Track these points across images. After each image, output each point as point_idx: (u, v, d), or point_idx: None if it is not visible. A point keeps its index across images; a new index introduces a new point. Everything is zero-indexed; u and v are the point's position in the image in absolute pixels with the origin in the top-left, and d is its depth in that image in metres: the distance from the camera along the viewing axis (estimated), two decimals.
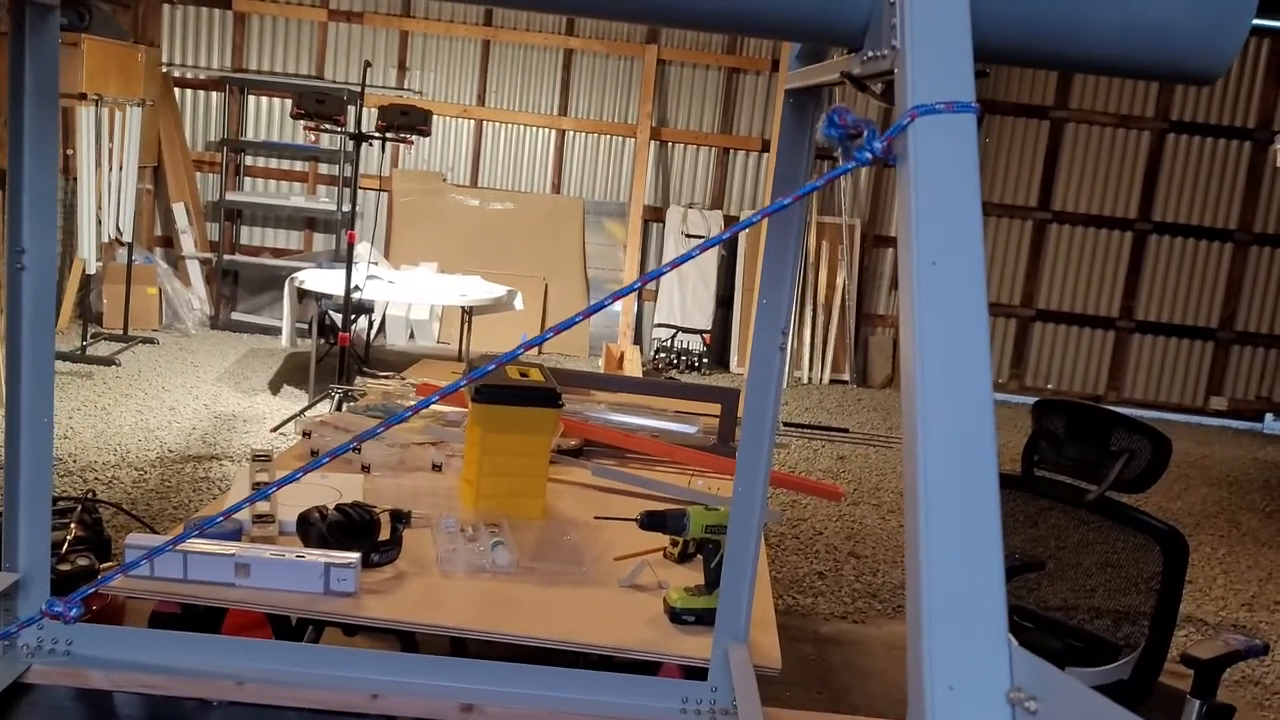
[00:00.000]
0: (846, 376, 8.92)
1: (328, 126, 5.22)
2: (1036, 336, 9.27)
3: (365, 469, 2.79)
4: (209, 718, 1.85)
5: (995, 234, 9.14)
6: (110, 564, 2.99)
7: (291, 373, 7.07)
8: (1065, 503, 2.47)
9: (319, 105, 5.24)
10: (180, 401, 6.23)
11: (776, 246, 1.78)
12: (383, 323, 8.42)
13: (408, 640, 2.94)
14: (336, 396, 5.22)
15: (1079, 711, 0.66)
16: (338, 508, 2.29)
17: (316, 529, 2.23)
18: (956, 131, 0.89)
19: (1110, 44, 1.11)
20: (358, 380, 3.89)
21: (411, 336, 8.57)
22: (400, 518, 2.45)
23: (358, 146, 5.45)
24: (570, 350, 8.70)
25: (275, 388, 6.74)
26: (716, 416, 3.57)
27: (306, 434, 2.92)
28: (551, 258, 8.81)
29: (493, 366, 1.11)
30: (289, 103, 6.91)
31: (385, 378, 3.76)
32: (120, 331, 7.51)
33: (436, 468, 2.86)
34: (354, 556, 2.09)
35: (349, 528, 2.23)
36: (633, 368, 7.82)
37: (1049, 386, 9.26)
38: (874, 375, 9.02)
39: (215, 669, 1.83)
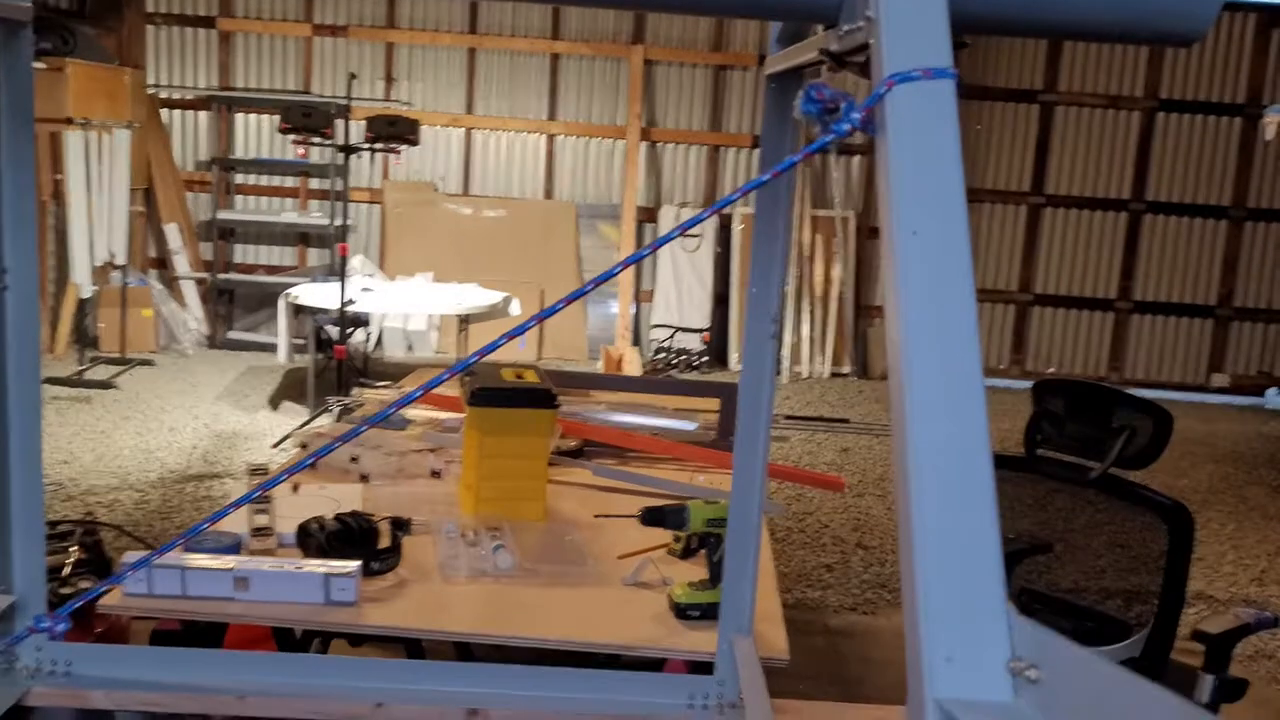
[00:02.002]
0: (847, 369, 8.90)
1: (316, 140, 5.21)
2: (1036, 321, 9.25)
3: (364, 478, 2.78)
4: None
5: (990, 220, 9.13)
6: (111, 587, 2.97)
7: (290, 388, 7.05)
8: (1069, 482, 2.45)
9: (305, 119, 5.23)
10: (180, 422, 6.21)
11: (765, 235, 1.76)
12: (380, 335, 8.40)
13: (413, 647, 2.93)
14: (336, 409, 5.20)
15: (1083, 675, 0.64)
16: (336, 517, 2.27)
17: (315, 539, 2.21)
18: (935, 98, 0.88)
19: (1090, 6, 1.10)
20: (354, 391, 3.88)
21: (410, 348, 8.56)
22: (400, 525, 2.43)
23: (346, 159, 5.44)
24: (569, 354, 8.68)
25: (275, 404, 6.72)
26: (716, 412, 3.55)
27: (304, 446, 2.90)
28: (546, 263, 8.80)
29: (474, 359, 1.09)
30: (277, 119, 6.90)
31: (382, 387, 3.74)
32: (118, 355, 7.50)
33: (435, 474, 2.84)
34: (354, 565, 2.07)
35: (348, 537, 2.21)
36: (632, 369, 7.80)
37: (1050, 371, 9.24)
38: (874, 367, 8.99)
39: (216, 684, 1.81)
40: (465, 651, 2.65)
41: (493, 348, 1.04)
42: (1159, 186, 9.02)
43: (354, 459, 2.80)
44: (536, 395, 2.50)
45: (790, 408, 7.65)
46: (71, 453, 5.51)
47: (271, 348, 8.08)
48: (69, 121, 6.73)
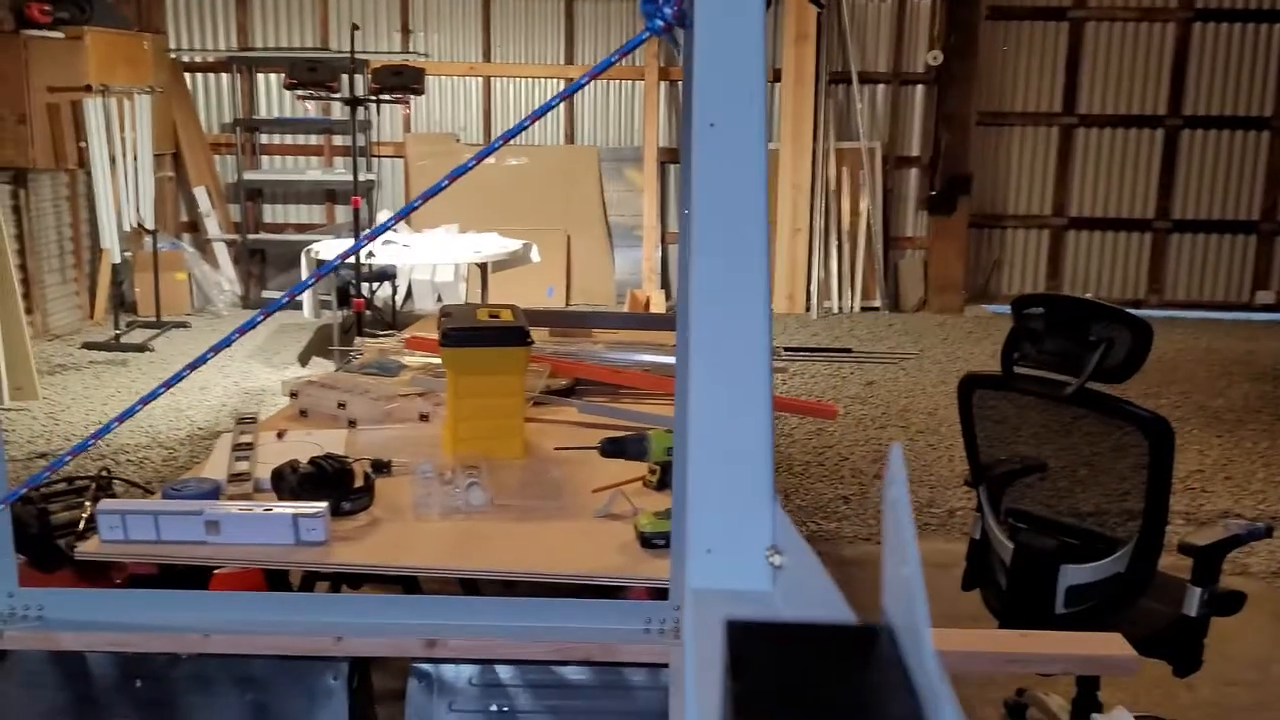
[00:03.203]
0: (878, 303, 8.80)
1: (321, 94, 5.22)
2: (1071, 245, 9.06)
3: (352, 424, 2.81)
4: (178, 670, 1.89)
5: (1021, 143, 8.93)
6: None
7: (320, 344, 7.14)
8: (1048, 399, 2.41)
9: (311, 74, 5.24)
10: (211, 380, 6.33)
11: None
12: (410, 288, 8.46)
13: (410, 584, 2.98)
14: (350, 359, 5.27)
15: (803, 567, 0.64)
16: (310, 460, 2.31)
17: (288, 483, 2.25)
18: None
19: None
20: (356, 341, 3.92)
21: (440, 299, 8.60)
22: (381, 467, 2.47)
23: (354, 112, 5.44)
24: (596, 299, 8.69)
25: (305, 360, 6.82)
26: None
27: (294, 394, 2.95)
28: (571, 209, 8.78)
29: (337, 261, 1.09)
30: None
31: (384, 337, 3.77)
32: (153, 318, 7.64)
33: (424, 418, 2.86)
34: (322, 506, 2.10)
35: (320, 479, 2.24)
36: (658, 311, 7.78)
37: (1088, 295, 9.05)
38: (906, 299, 8.89)
39: (182, 623, 1.86)
40: (471, 587, 2.68)
41: (358, 247, 1.04)
42: (1197, 101, 8.74)
43: (341, 404, 2.83)
44: (509, 333, 2.51)
45: (819, 342, 7.60)
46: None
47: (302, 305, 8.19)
48: (88, 89, 6.81)
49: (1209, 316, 8.76)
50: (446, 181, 0.97)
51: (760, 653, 0.55)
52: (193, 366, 1.35)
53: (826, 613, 0.64)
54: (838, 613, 0.65)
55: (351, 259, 5.72)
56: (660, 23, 0.85)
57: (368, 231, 0.96)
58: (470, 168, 1.07)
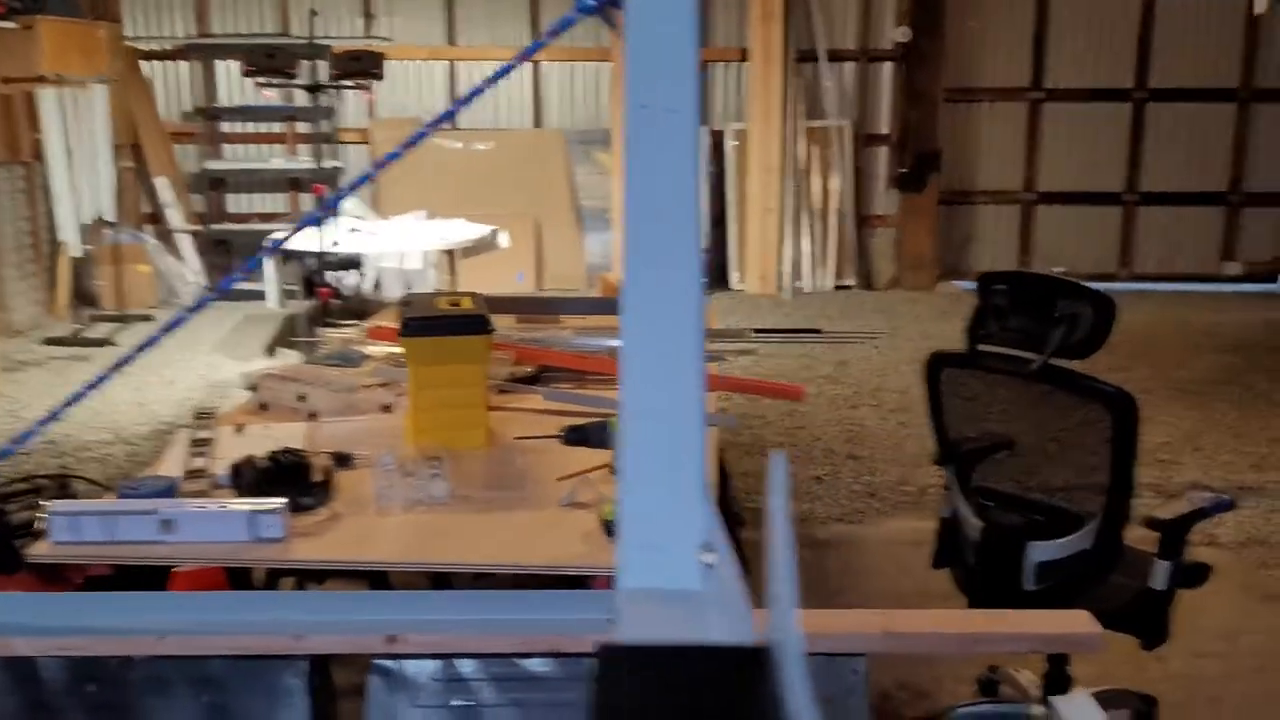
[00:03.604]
0: (850, 282, 8.80)
1: (280, 81, 5.14)
2: (1041, 220, 9.09)
3: (313, 416, 2.76)
4: (132, 673, 1.85)
5: (991, 119, 8.93)
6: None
7: (287, 335, 7.06)
8: (1013, 376, 2.40)
9: (269, 60, 5.16)
10: (177, 375, 6.25)
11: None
12: (379, 277, 8.37)
13: (378, 579, 2.94)
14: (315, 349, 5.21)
15: (725, 567, 0.61)
16: (269, 455, 2.26)
17: (246, 479, 2.21)
18: None
19: None
20: (319, 331, 3.87)
21: (409, 287, 8.52)
22: (342, 460, 2.43)
23: (316, 98, 5.37)
24: (568, 283, 8.64)
25: (271, 351, 6.75)
26: None
27: (253, 387, 2.90)
28: (539, 193, 8.72)
29: (281, 243, 1.05)
30: None
31: (348, 326, 3.73)
32: (116, 312, 7.53)
33: (386, 409, 2.82)
34: (279, 502, 2.06)
35: (279, 474, 2.21)
36: None
37: (1059, 270, 9.09)
38: (879, 278, 8.89)
39: (136, 626, 1.81)
40: (444, 581, 2.65)
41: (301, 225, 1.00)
42: (1163, 73, 8.76)
43: (301, 397, 2.79)
44: (469, 322, 2.47)
45: (792, 322, 7.59)
46: (67, 411, 5.55)
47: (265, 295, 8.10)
48: (42, 79, 6.68)
49: (1178, 289, 8.81)
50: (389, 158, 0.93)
51: (627, 677, 0.53)
52: (97, 382, 1.30)
53: (731, 629, 0.61)
54: (740, 630, 0.62)
55: (316, 248, 5.65)
56: (592, 1, 0.82)
57: (315, 213, 0.92)
58: (397, 156, 1.03)
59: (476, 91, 0.94)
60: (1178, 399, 5.77)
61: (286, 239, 1.32)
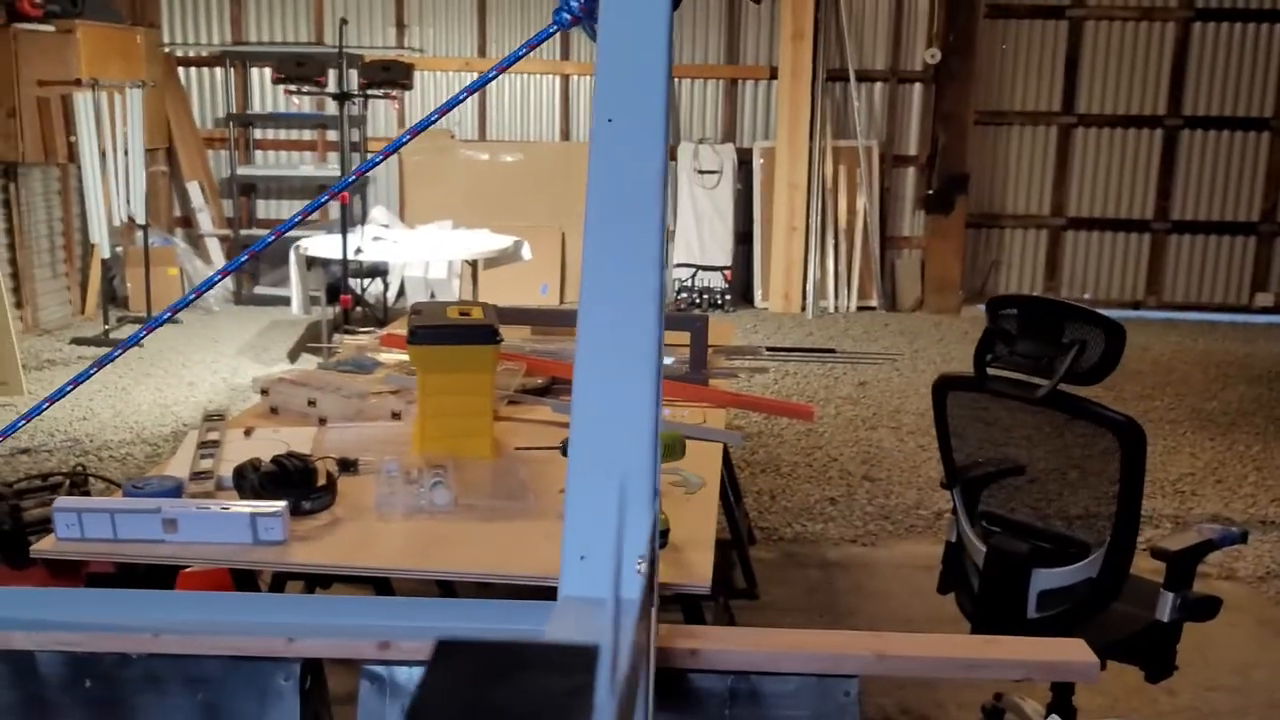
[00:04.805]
0: (874, 303, 8.76)
1: (310, 89, 5.19)
2: (1069, 246, 9.02)
3: (322, 421, 2.78)
4: (128, 670, 1.86)
5: (1019, 143, 8.89)
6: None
7: (310, 341, 7.12)
8: (1022, 401, 2.38)
9: (299, 69, 5.21)
10: (199, 377, 6.31)
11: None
12: (403, 284, 8.43)
13: (382, 585, 2.96)
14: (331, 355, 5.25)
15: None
16: (273, 459, 2.28)
17: (249, 481, 2.22)
18: None
19: None
20: (335, 338, 3.89)
21: (433, 295, 8.57)
22: (347, 466, 2.44)
23: (342, 107, 5.42)
24: None
25: (294, 356, 6.80)
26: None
27: (264, 391, 2.92)
28: (566, 205, 8.74)
29: (271, 238, 1.06)
30: None
31: (364, 333, 3.75)
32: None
33: (396, 416, 2.83)
34: (280, 505, 2.07)
35: (282, 478, 2.22)
36: None
37: (1086, 296, 9.02)
38: (903, 300, 8.85)
39: (133, 623, 1.83)
40: (448, 588, 2.66)
41: (289, 225, 1.02)
42: (1196, 100, 8.70)
43: (311, 402, 2.80)
44: (477, 331, 2.48)
45: (813, 342, 7.57)
46: (91, 410, 5.63)
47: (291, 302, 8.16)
48: (78, 83, 6.79)
49: (1207, 318, 8.72)
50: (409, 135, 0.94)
51: (456, 670, 0.54)
52: (73, 383, 1.32)
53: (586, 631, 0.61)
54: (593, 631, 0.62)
55: (338, 254, 5.69)
56: (567, 16, 0.82)
57: (318, 201, 0.93)
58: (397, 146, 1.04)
59: (455, 101, 0.94)
60: (1201, 429, 5.71)
61: (252, 254, 1.33)
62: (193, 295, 1.32)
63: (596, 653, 0.54)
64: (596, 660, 0.54)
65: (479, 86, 0.97)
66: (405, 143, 0.93)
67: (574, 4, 0.82)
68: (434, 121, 0.93)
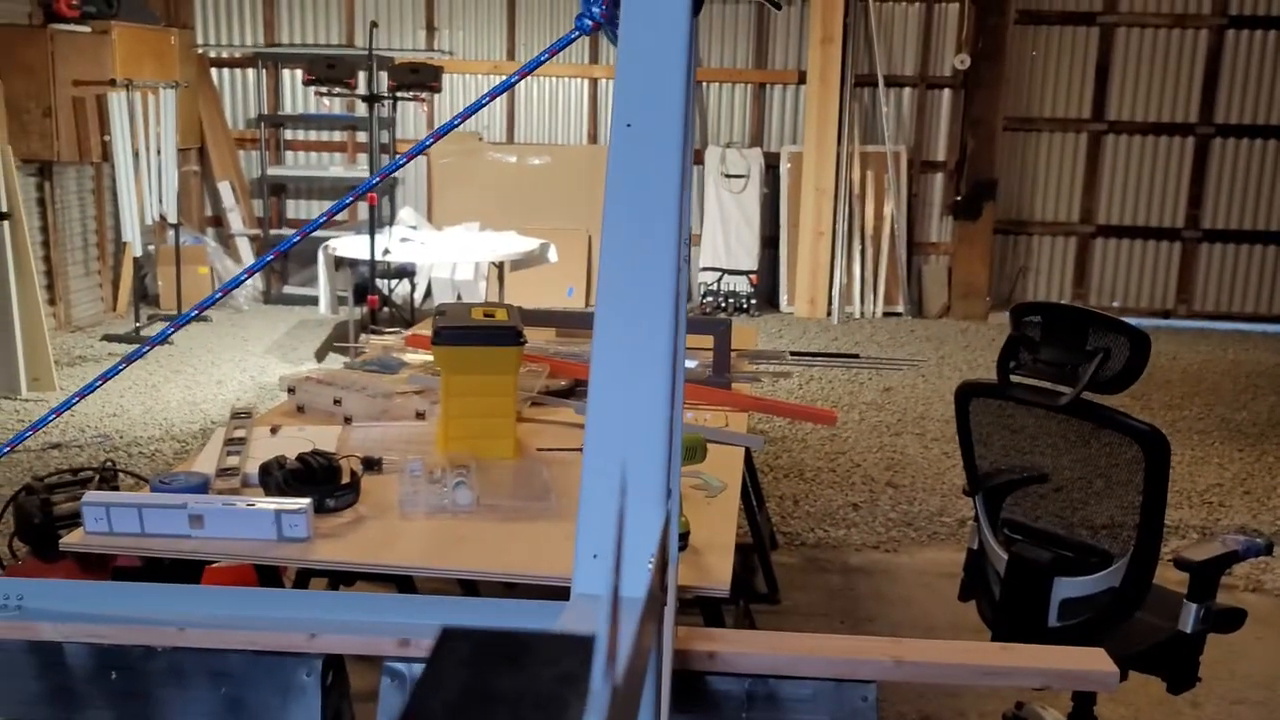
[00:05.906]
0: (901, 309, 8.73)
1: (339, 91, 5.24)
2: (1099, 254, 8.95)
3: (348, 420, 2.81)
4: (153, 663, 1.89)
5: (1049, 149, 8.83)
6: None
7: (337, 340, 7.17)
8: (1045, 408, 2.37)
9: (329, 70, 5.26)
10: (228, 375, 6.37)
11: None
12: (430, 286, 8.48)
13: (404, 583, 2.98)
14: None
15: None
16: (298, 457, 2.30)
17: (275, 478, 2.25)
18: None
19: None
20: (362, 338, 3.93)
21: (459, 297, 8.62)
22: (371, 464, 2.47)
23: (371, 108, 5.46)
24: None
25: (321, 356, 6.85)
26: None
27: (291, 390, 2.95)
28: (593, 209, 8.76)
29: (296, 238, 1.08)
30: None
31: (390, 334, 3.78)
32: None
33: (420, 416, 2.85)
34: (305, 502, 2.10)
35: (306, 475, 2.24)
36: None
37: (1115, 305, 8.95)
38: (929, 305, 8.82)
39: (159, 617, 1.86)
40: (470, 587, 2.68)
41: (314, 225, 1.03)
42: (1228, 108, 8.61)
43: (337, 401, 2.83)
44: (500, 333, 2.49)
45: (838, 347, 7.55)
46: (122, 406, 5.69)
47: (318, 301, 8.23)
48: (113, 83, 6.87)
49: (1238, 328, 8.63)
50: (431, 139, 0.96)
51: (458, 656, 0.56)
52: (80, 395, 1.34)
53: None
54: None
55: (366, 255, 5.73)
56: (588, 22, 0.83)
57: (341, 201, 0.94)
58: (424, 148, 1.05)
59: (478, 105, 0.96)
60: (1230, 440, 5.65)
61: (278, 254, 1.35)
62: (219, 293, 1.34)
63: (593, 643, 0.55)
64: (592, 650, 0.55)
65: (501, 91, 0.98)
66: (429, 145, 0.95)
67: (595, 10, 0.83)
68: (456, 125, 0.95)
